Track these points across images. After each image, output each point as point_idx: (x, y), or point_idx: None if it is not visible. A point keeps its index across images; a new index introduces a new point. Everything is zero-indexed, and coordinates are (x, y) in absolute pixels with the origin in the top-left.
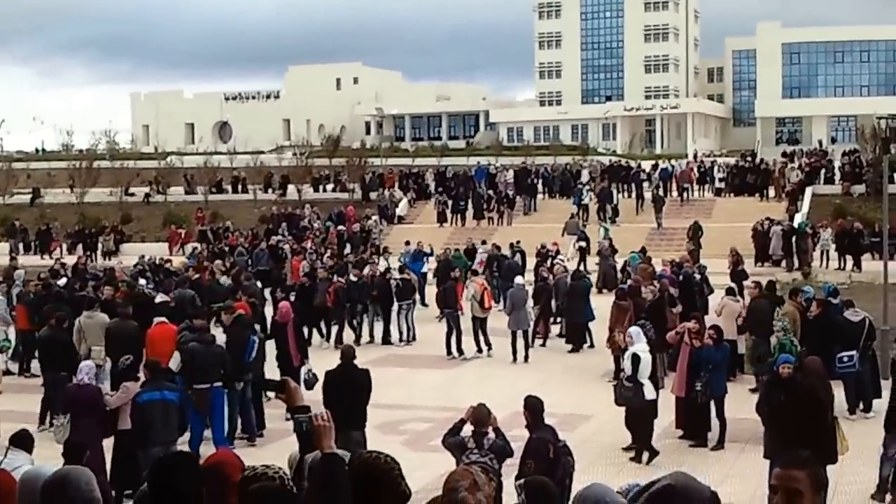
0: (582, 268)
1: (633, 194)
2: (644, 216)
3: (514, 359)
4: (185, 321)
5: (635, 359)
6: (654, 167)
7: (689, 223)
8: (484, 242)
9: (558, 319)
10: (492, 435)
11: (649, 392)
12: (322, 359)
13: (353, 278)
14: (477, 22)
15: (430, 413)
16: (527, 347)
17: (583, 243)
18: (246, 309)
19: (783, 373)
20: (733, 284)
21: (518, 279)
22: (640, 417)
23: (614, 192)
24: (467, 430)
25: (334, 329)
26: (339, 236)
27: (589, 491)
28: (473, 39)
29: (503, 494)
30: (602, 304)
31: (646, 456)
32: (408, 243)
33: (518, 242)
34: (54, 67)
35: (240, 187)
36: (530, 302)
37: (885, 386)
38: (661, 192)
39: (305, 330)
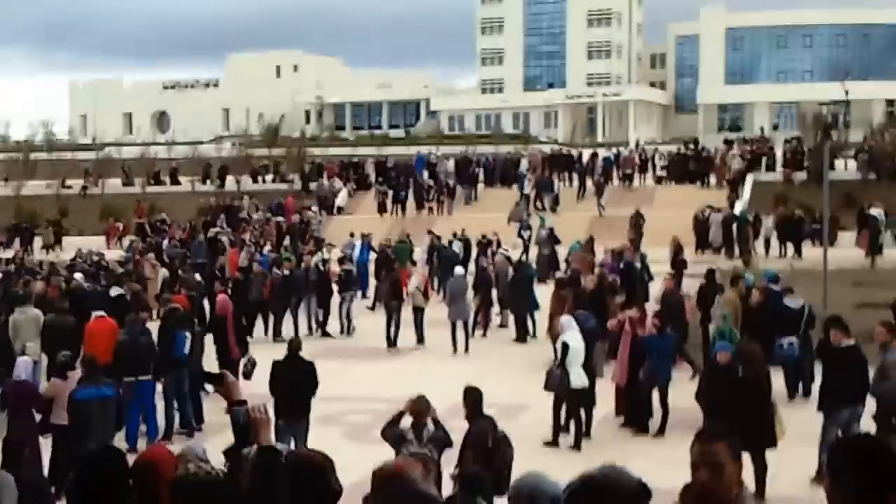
0: (524, 257)
1: (576, 183)
2: (586, 204)
3: (455, 350)
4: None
5: (564, 347)
6: (595, 155)
7: (631, 211)
8: (430, 233)
9: (499, 310)
10: (431, 426)
11: (576, 379)
12: (262, 352)
13: (285, 272)
14: (420, 8)
15: (370, 405)
16: (467, 338)
17: (526, 232)
18: (184, 302)
19: (721, 360)
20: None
21: (458, 269)
22: (563, 402)
23: (555, 180)
24: (407, 421)
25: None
26: (278, 228)
27: (524, 481)
28: (416, 26)
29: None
30: (544, 293)
31: (570, 440)
32: (352, 234)
33: (463, 231)
34: None
35: (179, 179)
36: (470, 292)
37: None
38: (602, 180)
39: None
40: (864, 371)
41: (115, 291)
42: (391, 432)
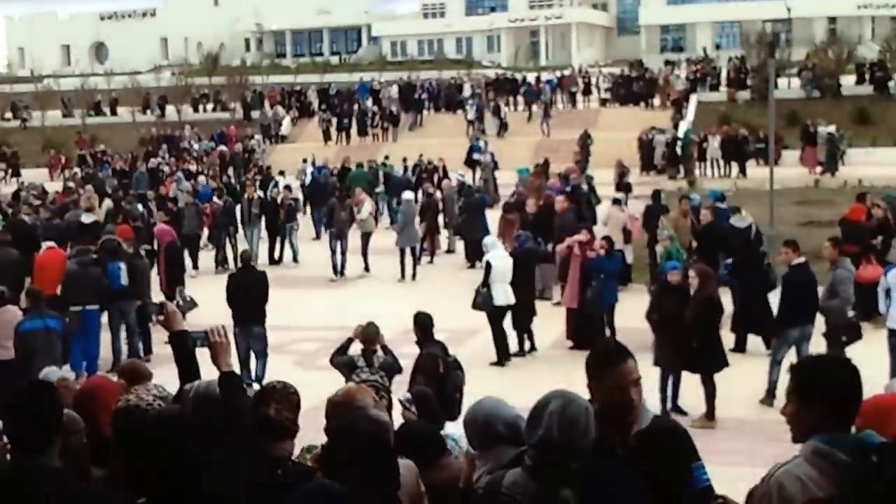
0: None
1: (521, 107)
2: (531, 128)
3: (402, 276)
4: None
5: (487, 265)
6: (538, 79)
7: (577, 134)
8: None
9: (447, 235)
10: (381, 353)
11: (498, 297)
12: (205, 284)
13: (221, 202)
14: None
15: (318, 333)
16: (415, 265)
17: (478, 155)
18: (127, 233)
19: (672, 280)
20: (619, 195)
21: (407, 194)
22: (497, 320)
23: (501, 105)
24: (356, 348)
25: (210, 253)
26: (221, 157)
27: (480, 405)
28: None
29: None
30: (493, 218)
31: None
32: (304, 161)
33: (420, 157)
34: None
35: (118, 109)
36: (417, 219)
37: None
38: (548, 103)
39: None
40: (813, 289)
41: (87, 218)
42: (341, 360)
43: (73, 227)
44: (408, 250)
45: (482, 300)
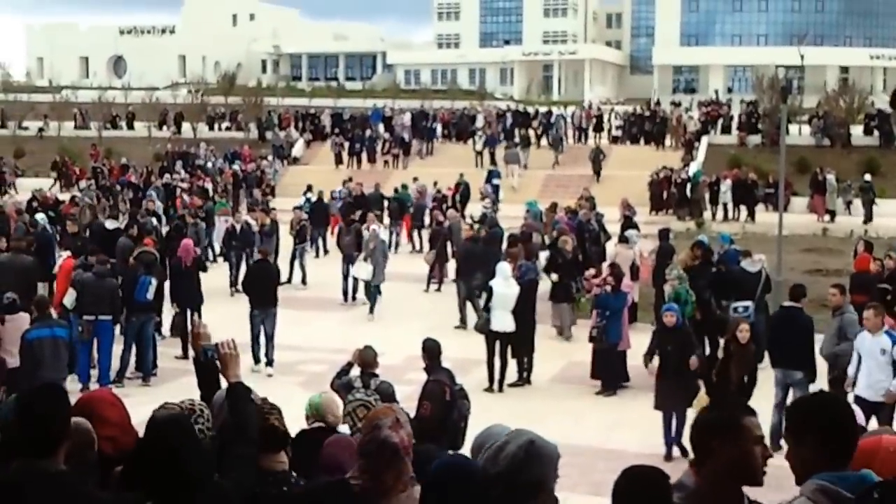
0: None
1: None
2: (541, 161)
3: (371, 311)
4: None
5: (489, 290)
6: (549, 114)
7: (588, 171)
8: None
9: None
10: (380, 377)
11: (496, 323)
12: (217, 305)
13: (250, 221)
14: None
15: (325, 355)
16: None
17: (496, 181)
18: (152, 246)
19: (667, 321)
20: (631, 232)
21: (380, 230)
22: (492, 344)
23: (517, 132)
24: (355, 371)
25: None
26: (234, 176)
27: (489, 432)
28: None
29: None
30: None
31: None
32: (308, 188)
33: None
34: None
35: (135, 124)
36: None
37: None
38: (560, 137)
39: None
40: (804, 334)
41: (111, 224)
42: (339, 382)
43: (96, 233)
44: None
45: (481, 323)
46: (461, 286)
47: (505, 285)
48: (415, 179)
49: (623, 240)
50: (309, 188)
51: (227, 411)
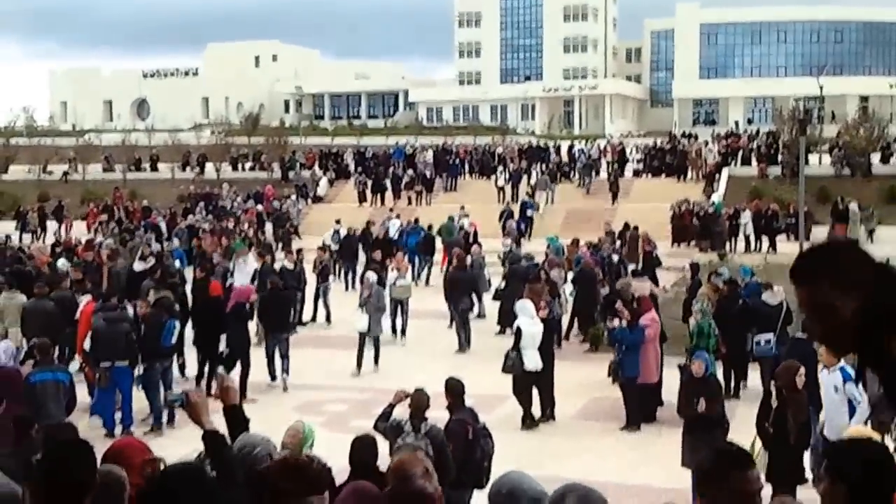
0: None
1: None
2: (563, 195)
3: (358, 369)
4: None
5: (517, 331)
6: (570, 148)
7: (608, 204)
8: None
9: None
10: (430, 421)
11: (528, 362)
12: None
13: (288, 265)
14: (397, 0)
15: (348, 394)
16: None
17: (530, 212)
18: (218, 290)
19: (696, 371)
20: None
21: (373, 277)
22: (523, 385)
23: (535, 172)
24: (401, 412)
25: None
26: (258, 216)
27: (506, 478)
28: (394, 18)
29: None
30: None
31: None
32: (337, 222)
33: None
34: None
35: (158, 166)
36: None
37: None
38: (587, 171)
39: None
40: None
41: (139, 266)
42: (386, 425)
43: (124, 275)
44: (369, 339)
45: (511, 364)
46: (451, 311)
47: (531, 324)
48: (416, 220)
49: (635, 273)
50: (338, 222)
51: (209, 460)
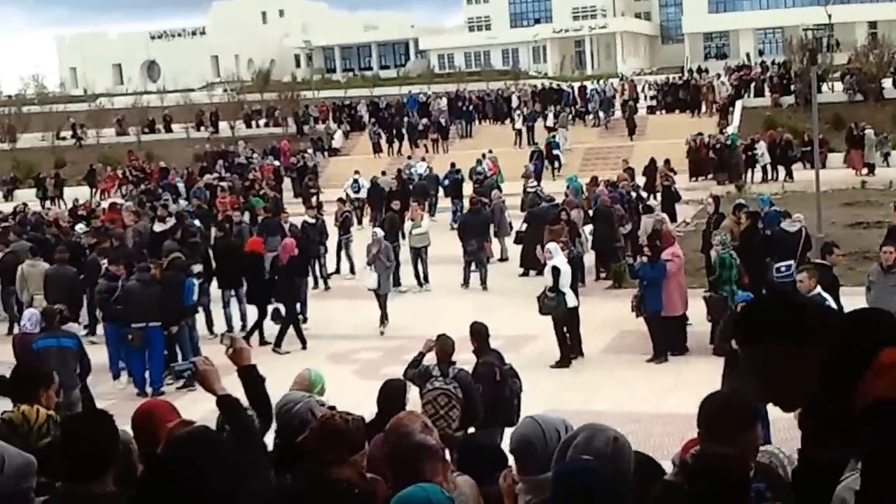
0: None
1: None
2: (579, 137)
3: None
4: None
5: (555, 271)
6: (582, 89)
7: (625, 142)
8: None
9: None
10: (458, 365)
11: (570, 300)
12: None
13: (310, 220)
14: None
15: (378, 342)
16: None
17: (556, 151)
18: (258, 246)
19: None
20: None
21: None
22: (563, 324)
23: (550, 114)
24: (432, 360)
25: None
26: (275, 171)
27: (518, 433)
28: None
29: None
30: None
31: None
32: (356, 172)
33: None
34: None
35: (172, 126)
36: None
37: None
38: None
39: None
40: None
41: (159, 227)
42: (414, 372)
43: (146, 236)
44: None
45: (555, 304)
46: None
47: (565, 262)
48: (452, 164)
49: (647, 210)
50: (357, 172)
51: (225, 425)
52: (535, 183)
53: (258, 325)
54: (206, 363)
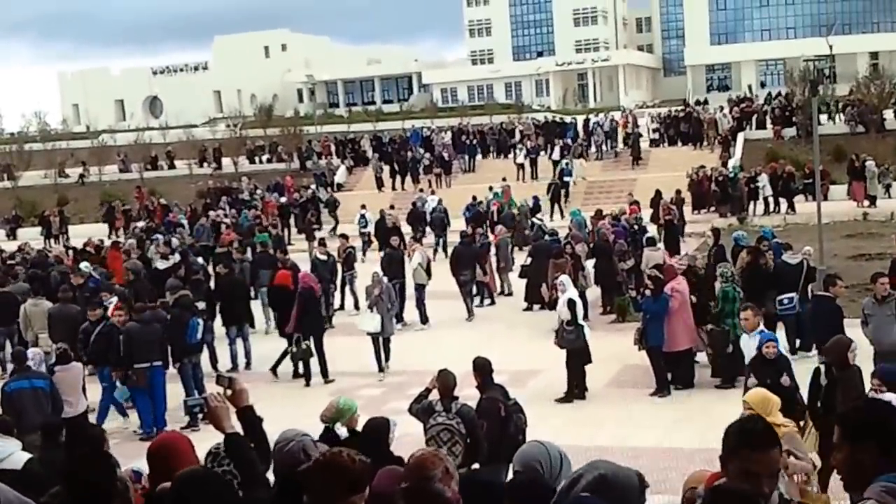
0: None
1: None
2: (581, 170)
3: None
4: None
5: (571, 304)
6: (586, 122)
7: (628, 175)
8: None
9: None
10: (461, 400)
11: (588, 333)
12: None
13: (321, 256)
14: None
15: (382, 379)
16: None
17: (567, 178)
18: (287, 280)
19: (768, 353)
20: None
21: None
22: (580, 359)
23: (557, 147)
24: (435, 395)
25: None
26: (280, 208)
27: (524, 451)
28: (402, 0)
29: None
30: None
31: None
32: (363, 206)
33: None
34: None
35: (175, 163)
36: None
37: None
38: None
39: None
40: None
41: (162, 264)
42: (418, 407)
43: (140, 274)
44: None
45: (574, 337)
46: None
47: (577, 295)
48: (473, 198)
49: (651, 243)
50: (363, 207)
51: (232, 463)
52: (540, 217)
53: (283, 356)
54: (217, 400)
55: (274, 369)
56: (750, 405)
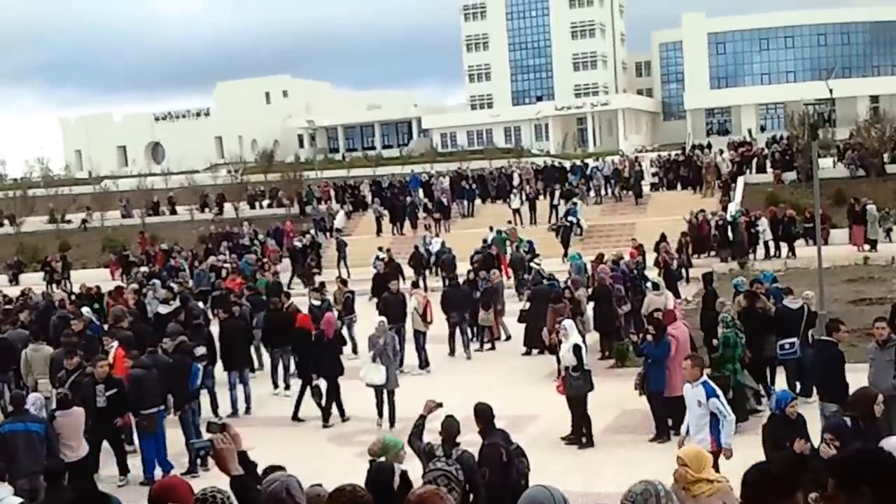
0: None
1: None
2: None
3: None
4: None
5: (577, 349)
6: (585, 166)
7: (627, 220)
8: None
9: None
10: (462, 446)
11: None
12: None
13: (315, 302)
14: (404, 28)
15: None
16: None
17: (572, 218)
18: (308, 323)
19: (791, 412)
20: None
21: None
22: (579, 404)
23: (557, 192)
24: (434, 437)
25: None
26: (291, 250)
27: (528, 495)
28: (403, 46)
29: None
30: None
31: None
32: (380, 249)
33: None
34: None
35: (177, 208)
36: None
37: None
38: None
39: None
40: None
41: (164, 309)
42: (420, 446)
43: (136, 319)
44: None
45: (581, 383)
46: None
47: (581, 339)
48: (484, 240)
49: (654, 286)
50: (380, 249)
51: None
52: (538, 261)
53: (301, 398)
54: (223, 442)
55: (295, 415)
56: (684, 461)
